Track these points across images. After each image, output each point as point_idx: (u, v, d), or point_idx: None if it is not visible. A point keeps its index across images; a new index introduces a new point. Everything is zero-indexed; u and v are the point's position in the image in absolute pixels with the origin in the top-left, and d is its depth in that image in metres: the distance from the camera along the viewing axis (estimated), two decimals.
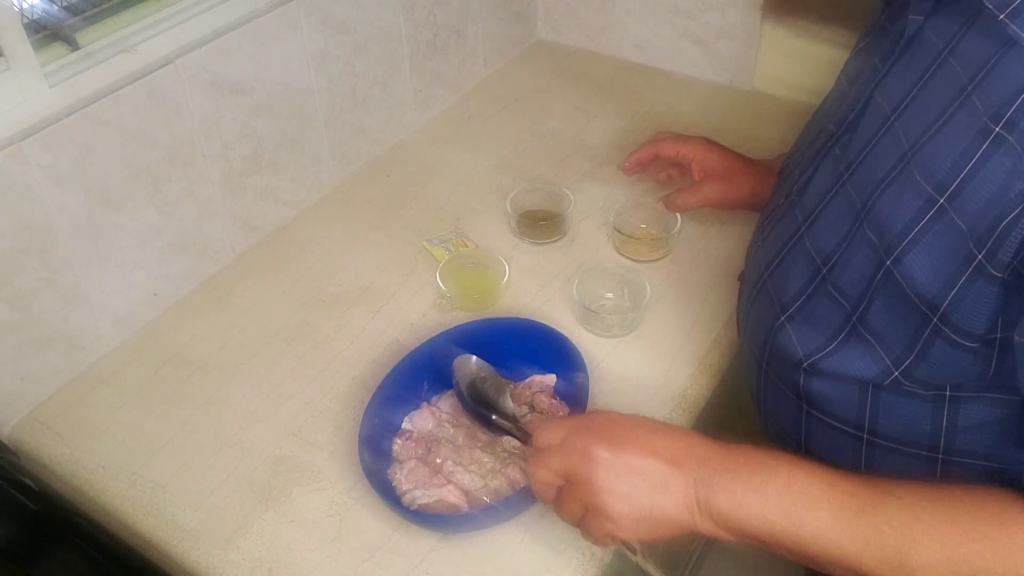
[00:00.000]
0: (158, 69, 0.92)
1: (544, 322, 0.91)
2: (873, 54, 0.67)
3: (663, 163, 1.06)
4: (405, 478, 0.80)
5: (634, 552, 0.66)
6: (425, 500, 0.77)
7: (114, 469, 0.86)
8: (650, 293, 0.95)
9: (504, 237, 1.12)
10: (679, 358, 0.94)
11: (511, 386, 0.88)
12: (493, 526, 0.77)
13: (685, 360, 0.94)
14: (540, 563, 0.74)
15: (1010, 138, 0.50)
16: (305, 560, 0.77)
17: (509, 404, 0.82)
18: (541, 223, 1.10)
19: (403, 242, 1.12)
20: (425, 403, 0.87)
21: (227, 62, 0.99)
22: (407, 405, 0.87)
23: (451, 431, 0.84)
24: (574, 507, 0.64)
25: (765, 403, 0.77)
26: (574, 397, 0.85)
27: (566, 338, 0.88)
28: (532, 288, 1.03)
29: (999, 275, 0.51)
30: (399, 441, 0.84)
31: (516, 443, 0.82)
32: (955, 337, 0.56)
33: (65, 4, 0.89)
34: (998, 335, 0.54)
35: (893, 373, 0.60)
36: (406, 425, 0.86)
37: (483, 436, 0.84)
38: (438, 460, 0.81)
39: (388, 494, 0.76)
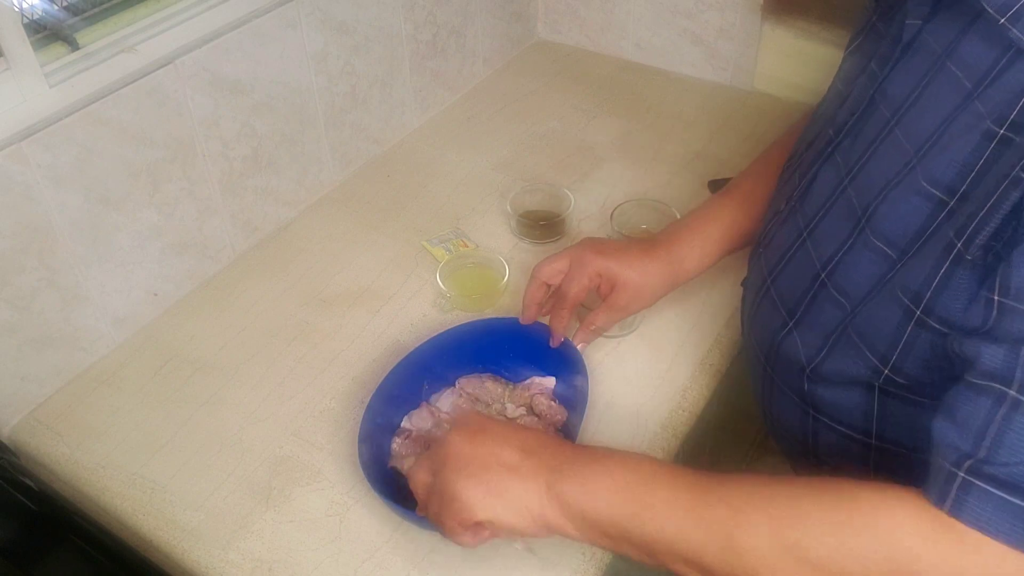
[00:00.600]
0: (158, 69, 0.92)
1: (544, 322, 0.91)
2: (868, 56, 0.66)
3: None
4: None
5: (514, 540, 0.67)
6: None
7: (114, 469, 0.86)
8: None
9: (504, 237, 1.12)
10: (679, 358, 0.94)
11: (509, 388, 0.88)
12: None
13: (685, 360, 0.94)
14: (540, 564, 0.74)
15: (1017, 139, 0.50)
16: (305, 560, 0.77)
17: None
18: (541, 223, 1.10)
19: (403, 242, 1.12)
20: (424, 403, 0.87)
21: (227, 62, 0.99)
22: (407, 405, 0.87)
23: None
24: (433, 502, 0.65)
25: (771, 408, 0.77)
26: (573, 399, 0.85)
27: (566, 339, 0.88)
28: None
29: (972, 259, 0.51)
30: (398, 440, 0.84)
31: None
32: (939, 327, 0.55)
33: (65, 4, 0.89)
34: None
35: (883, 371, 0.60)
36: (405, 424, 0.86)
37: None
38: None
39: (388, 494, 0.76)
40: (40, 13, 0.86)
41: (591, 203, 1.15)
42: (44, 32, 0.87)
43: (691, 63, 1.42)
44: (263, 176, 1.10)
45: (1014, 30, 0.51)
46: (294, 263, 1.10)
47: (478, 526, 0.63)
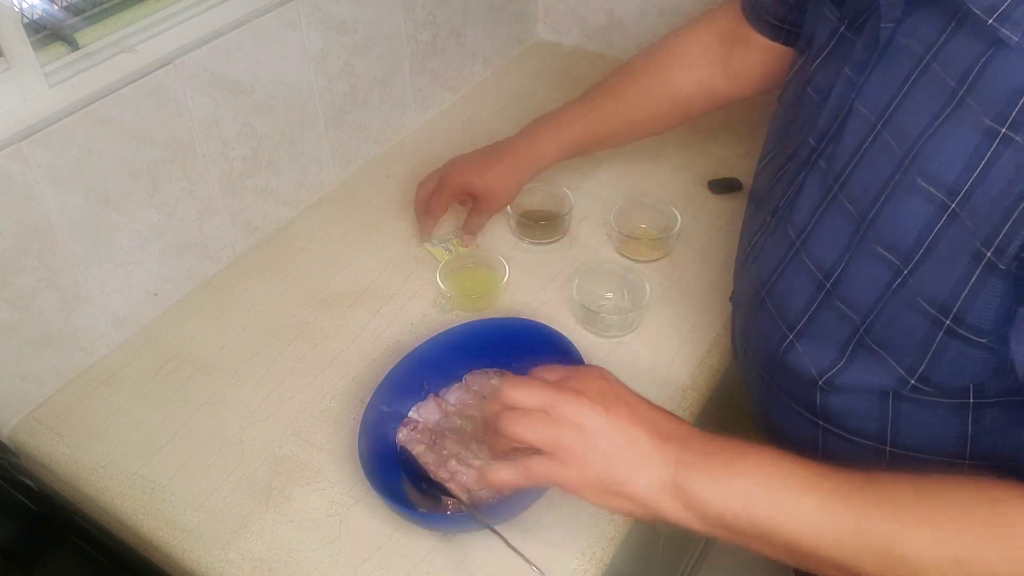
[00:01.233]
0: (158, 69, 0.92)
1: (544, 322, 0.91)
2: (841, 62, 0.66)
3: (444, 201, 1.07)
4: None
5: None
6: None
7: (114, 469, 0.86)
8: (650, 293, 0.96)
9: (504, 237, 1.12)
10: (679, 358, 0.94)
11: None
12: (494, 526, 0.77)
13: (685, 360, 0.94)
14: (540, 563, 0.74)
15: (1017, 138, 0.50)
16: (305, 560, 0.77)
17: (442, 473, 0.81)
18: (541, 223, 1.10)
19: (403, 242, 1.12)
20: (432, 395, 0.88)
21: (227, 62, 0.99)
22: (409, 402, 0.87)
23: (458, 423, 0.85)
24: (540, 433, 0.61)
25: (773, 420, 0.76)
26: None
27: (566, 338, 0.88)
28: (532, 288, 1.03)
29: (1005, 268, 0.51)
30: (404, 430, 0.84)
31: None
32: (971, 336, 0.55)
33: (65, 4, 0.89)
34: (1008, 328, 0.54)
35: (909, 381, 0.60)
36: (412, 415, 0.86)
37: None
38: (444, 451, 0.82)
39: (388, 494, 0.77)
40: (40, 13, 0.86)
41: (591, 203, 1.15)
42: (44, 32, 0.87)
43: None
44: (263, 176, 1.10)
45: (1003, 29, 0.51)
46: (294, 263, 1.10)
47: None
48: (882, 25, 0.60)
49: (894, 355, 0.60)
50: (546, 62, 1.51)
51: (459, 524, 0.77)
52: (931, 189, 0.55)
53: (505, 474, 0.63)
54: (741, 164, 1.22)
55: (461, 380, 0.90)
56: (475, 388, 0.89)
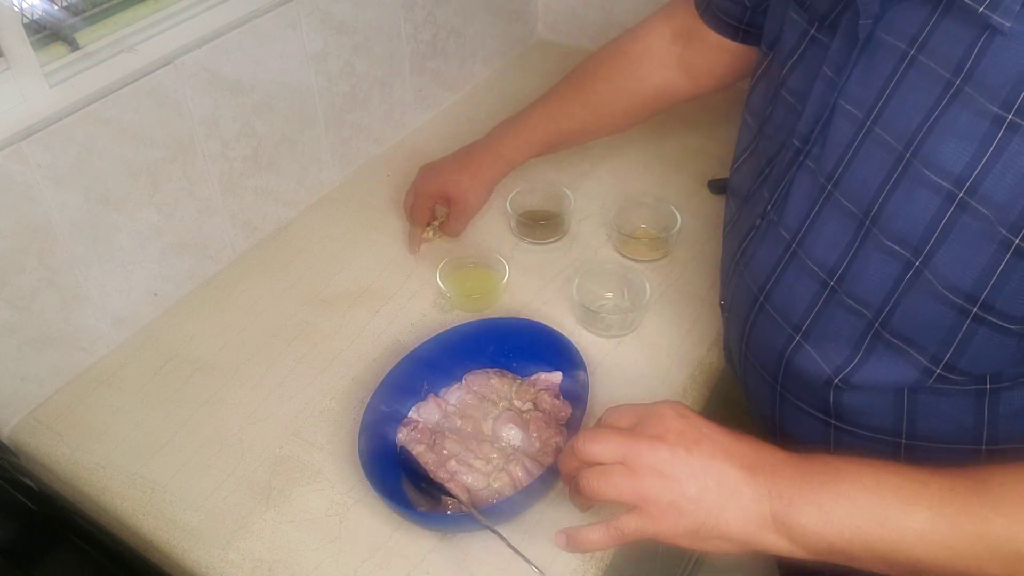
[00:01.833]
0: (158, 69, 0.92)
1: (544, 322, 0.91)
2: (817, 65, 0.66)
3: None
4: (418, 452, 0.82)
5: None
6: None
7: (114, 469, 0.86)
8: (650, 293, 0.96)
9: (504, 237, 1.12)
10: (679, 358, 0.94)
11: (516, 384, 0.89)
12: (494, 526, 0.77)
13: (685, 360, 0.94)
14: (540, 563, 0.74)
15: None
16: (305, 560, 0.77)
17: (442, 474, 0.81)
18: (541, 223, 1.10)
19: (403, 242, 1.12)
20: (432, 395, 0.88)
21: (227, 62, 0.99)
22: (409, 401, 0.87)
23: (458, 423, 0.85)
24: (624, 489, 0.57)
25: (784, 425, 0.76)
26: (575, 398, 0.85)
27: (566, 338, 0.88)
28: (532, 288, 1.03)
29: None
30: (404, 430, 0.84)
31: (519, 440, 0.82)
32: (1001, 323, 0.55)
33: (65, 4, 0.89)
34: None
35: (935, 372, 0.60)
36: (413, 415, 0.86)
37: (488, 432, 0.84)
38: (444, 451, 0.82)
39: (388, 494, 0.77)
40: (40, 13, 0.86)
41: (591, 203, 1.15)
42: (44, 32, 0.87)
43: None
44: (263, 176, 1.10)
45: (995, 16, 0.51)
46: (294, 263, 1.10)
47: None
48: (860, 22, 0.60)
49: (917, 347, 0.60)
50: (546, 62, 1.51)
51: (459, 524, 0.77)
52: (938, 180, 0.55)
53: (597, 537, 0.60)
54: None
55: (461, 380, 0.90)
56: (475, 388, 0.89)
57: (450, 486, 0.78)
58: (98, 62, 0.89)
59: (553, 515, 0.79)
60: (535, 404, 0.86)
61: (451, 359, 0.89)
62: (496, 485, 0.79)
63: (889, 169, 0.59)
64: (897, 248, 0.58)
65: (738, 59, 0.92)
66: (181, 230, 1.02)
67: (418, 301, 1.03)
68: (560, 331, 0.89)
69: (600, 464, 0.59)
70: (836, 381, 0.66)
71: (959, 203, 0.54)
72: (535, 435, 0.83)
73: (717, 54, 0.94)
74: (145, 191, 0.95)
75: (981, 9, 0.52)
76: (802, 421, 0.72)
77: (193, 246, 1.04)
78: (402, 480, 0.80)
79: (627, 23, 1.44)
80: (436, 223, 1.10)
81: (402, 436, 0.84)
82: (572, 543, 0.62)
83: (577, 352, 0.86)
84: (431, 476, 0.80)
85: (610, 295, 1.01)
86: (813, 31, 0.68)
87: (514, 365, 0.91)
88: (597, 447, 0.59)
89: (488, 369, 0.90)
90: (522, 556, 0.71)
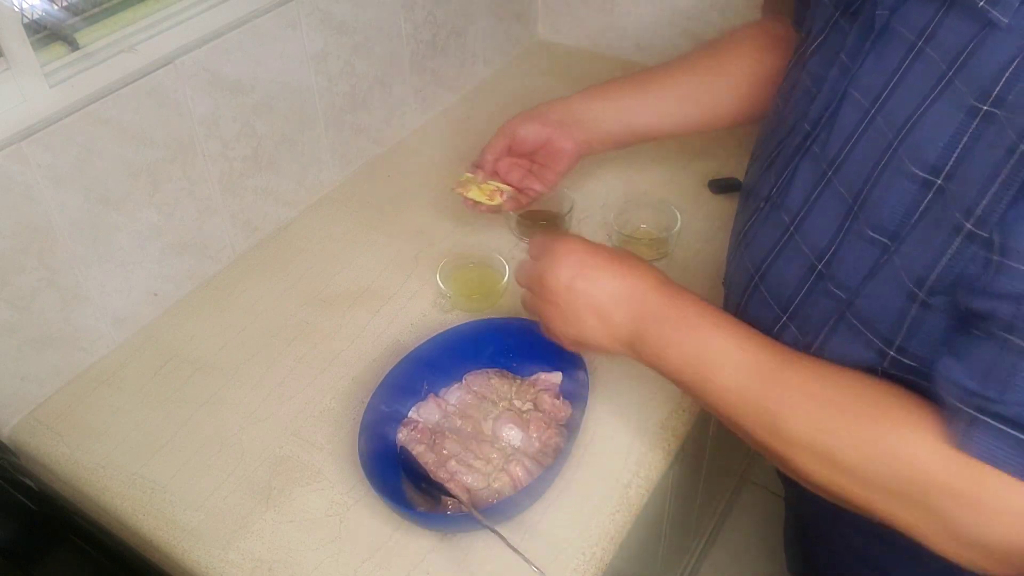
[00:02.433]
0: (158, 69, 0.92)
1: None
2: (835, 51, 0.67)
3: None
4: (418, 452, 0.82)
5: None
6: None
7: (114, 469, 0.86)
8: None
9: (504, 237, 1.12)
10: None
11: (516, 383, 0.89)
12: (494, 526, 0.77)
13: None
14: (540, 563, 0.74)
15: (999, 113, 0.51)
16: (305, 560, 0.77)
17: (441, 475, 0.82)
18: (541, 223, 1.10)
19: (403, 242, 1.12)
20: (432, 395, 0.88)
21: (227, 62, 0.99)
22: (409, 401, 0.87)
23: (458, 423, 0.85)
24: (531, 309, 0.78)
25: None
26: (575, 398, 0.85)
27: None
28: None
29: (985, 235, 0.52)
30: (404, 430, 0.84)
31: (518, 440, 0.82)
32: (946, 307, 0.56)
33: (65, 4, 0.89)
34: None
35: (888, 353, 0.60)
36: (413, 415, 0.86)
37: (488, 432, 0.84)
38: (444, 451, 0.82)
39: (388, 494, 0.77)
40: (40, 13, 0.86)
41: (591, 203, 1.15)
42: (44, 32, 0.87)
43: None
44: (263, 176, 1.10)
45: (994, 12, 0.52)
46: (294, 263, 1.10)
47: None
48: (877, 12, 0.61)
49: (871, 328, 0.61)
50: (546, 62, 1.51)
51: (459, 524, 0.77)
52: (915, 169, 0.56)
53: (524, 295, 0.78)
54: (741, 164, 1.21)
55: (461, 380, 0.90)
56: (475, 388, 0.89)
57: (450, 486, 0.78)
58: (98, 62, 0.89)
59: (553, 515, 0.79)
60: (535, 404, 0.86)
61: (451, 359, 0.89)
62: (496, 485, 0.79)
63: (878, 157, 0.60)
64: (876, 236, 0.59)
65: None
66: (181, 230, 1.02)
67: (418, 301, 1.03)
68: None
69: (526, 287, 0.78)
70: None
71: (935, 192, 0.55)
72: (535, 435, 0.83)
73: None
74: (145, 191, 0.95)
75: (981, 3, 0.53)
76: None
77: (193, 246, 1.04)
78: (402, 480, 0.80)
79: (627, 23, 1.45)
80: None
81: (402, 436, 0.84)
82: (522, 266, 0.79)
83: (577, 352, 0.86)
84: (431, 476, 0.80)
85: None
86: (837, 16, 0.69)
87: (514, 365, 0.91)
88: (519, 276, 0.79)
89: (488, 369, 0.90)
90: (522, 556, 0.71)
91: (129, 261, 0.97)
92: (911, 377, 0.60)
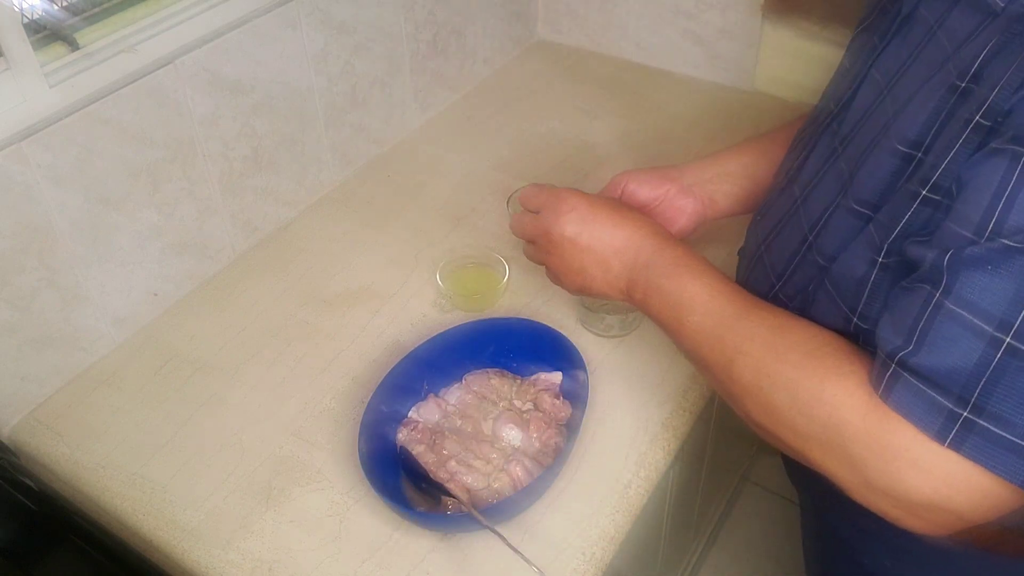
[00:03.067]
0: (158, 69, 0.92)
1: (544, 322, 0.91)
2: (875, 33, 0.69)
3: None
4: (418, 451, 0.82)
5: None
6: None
7: (114, 469, 0.86)
8: None
9: (504, 237, 1.12)
10: (679, 358, 0.93)
11: (516, 384, 0.89)
12: (494, 526, 0.77)
13: (685, 360, 0.93)
14: (540, 563, 0.74)
15: (976, 88, 0.52)
16: (305, 560, 0.77)
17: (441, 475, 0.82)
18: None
19: (403, 242, 1.12)
20: (432, 395, 0.88)
21: (227, 62, 0.99)
22: (409, 402, 0.87)
23: (458, 423, 0.85)
24: (536, 259, 0.83)
25: None
26: (575, 398, 0.85)
27: (566, 338, 0.88)
28: (532, 288, 1.03)
29: (938, 199, 0.53)
30: (404, 430, 0.84)
31: (518, 440, 0.82)
32: (896, 266, 0.57)
33: (65, 4, 0.89)
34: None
35: (852, 320, 0.61)
36: (413, 415, 0.86)
37: (488, 432, 0.84)
38: (444, 451, 0.82)
39: (388, 494, 0.77)
40: (40, 13, 0.86)
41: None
42: (44, 32, 0.87)
43: (692, 63, 1.42)
44: (263, 176, 1.10)
45: None
46: (294, 263, 1.10)
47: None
48: None
49: (840, 294, 0.62)
50: (546, 62, 1.51)
51: (459, 524, 0.77)
52: (897, 145, 0.58)
53: (526, 248, 0.85)
54: None
55: (461, 380, 0.90)
56: (475, 388, 0.89)
57: (450, 486, 0.78)
58: (98, 62, 0.89)
59: (553, 515, 0.79)
60: (535, 404, 0.86)
61: (451, 359, 0.89)
62: (496, 485, 0.79)
63: (875, 135, 0.61)
64: (860, 209, 0.61)
65: None
66: (181, 230, 1.02)
67: (418, 301, 1.03)
68: (560, 331, 0.89)
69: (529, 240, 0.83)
70: None
71: (915, 165, 0.56)
72: (535, 435, 0.83)
73: None
74: (145, 191, 0.95)
75: None
76: None
77: (193, 246, 1.04)
78: (402, 480, 0.80)
79: (627, 23, 1.45)
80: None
81: (402, 436, 0.84)
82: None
83: (577, 352, 0.86)
84: (431, 476, 0.80)
85: None
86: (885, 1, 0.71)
87: (514, 365, 0.91)
88: (518, 229, 0.84)
89: (488, 369, 0.90)
90: (522, 556, 0.71)
91: (129, 261, 0.97)
92: (873, 343, 0.61)
